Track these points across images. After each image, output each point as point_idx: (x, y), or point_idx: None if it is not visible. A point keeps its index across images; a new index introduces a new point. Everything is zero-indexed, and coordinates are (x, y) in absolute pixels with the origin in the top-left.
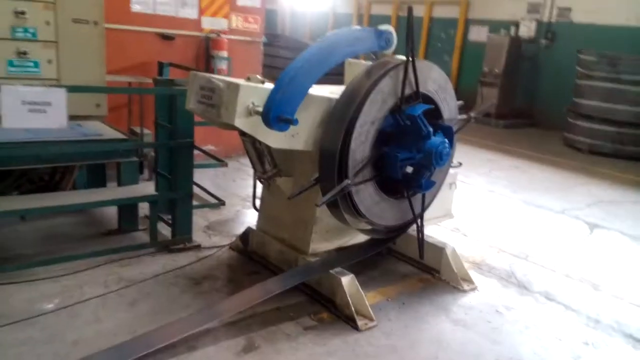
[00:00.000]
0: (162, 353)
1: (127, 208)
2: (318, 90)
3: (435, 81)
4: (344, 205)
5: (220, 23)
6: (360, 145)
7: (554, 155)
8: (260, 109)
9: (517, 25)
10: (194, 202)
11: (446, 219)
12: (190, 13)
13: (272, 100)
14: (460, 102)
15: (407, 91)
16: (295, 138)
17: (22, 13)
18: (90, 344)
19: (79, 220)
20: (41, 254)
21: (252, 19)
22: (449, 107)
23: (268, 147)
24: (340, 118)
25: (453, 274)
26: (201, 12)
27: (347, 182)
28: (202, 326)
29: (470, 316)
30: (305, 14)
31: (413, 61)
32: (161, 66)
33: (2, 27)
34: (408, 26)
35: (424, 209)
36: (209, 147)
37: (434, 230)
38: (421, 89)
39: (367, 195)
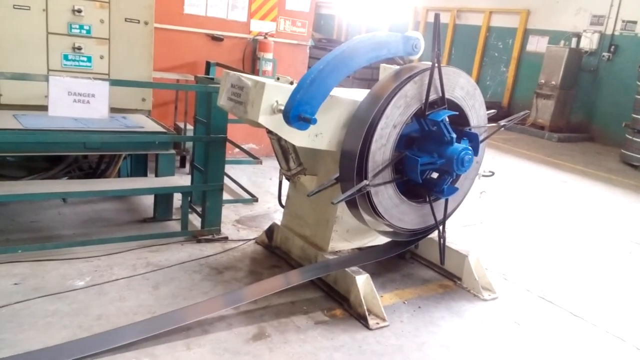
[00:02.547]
0: (177, 333)
1: (162, 198)
2: (345, 93)
3: (463, 88)
4: (363, 206)
5: (268, 26)
6: (381, 147)
7: (607, 172)
8: (283, 108)
9: (578, 36)
10: (228, 197)
11: (474, 226)
12: (240, 16)
13: (293, 99)
14: (493, 111)
15: (433, 97)
16: (319, 138)
17: (79, 11)
18: (112, 320)
19: (119, 207)
20: (80, 235)
21: (300, 23)
22: (477, 114)
23: (293, 146)
24: (363, 120)
25: (474, 282)
26: (250, 15)
27: (365, 182)
28: (219, 310)
29: (486, 325)
30: (362, 21)
31: (439, 67)
32: (208, 65)
33: (61, 23)
34: (434, 32)
35: (446, 215)
36: (250, 146)
37: (461, 236)
38: (447, 95)
39: (386, 197)
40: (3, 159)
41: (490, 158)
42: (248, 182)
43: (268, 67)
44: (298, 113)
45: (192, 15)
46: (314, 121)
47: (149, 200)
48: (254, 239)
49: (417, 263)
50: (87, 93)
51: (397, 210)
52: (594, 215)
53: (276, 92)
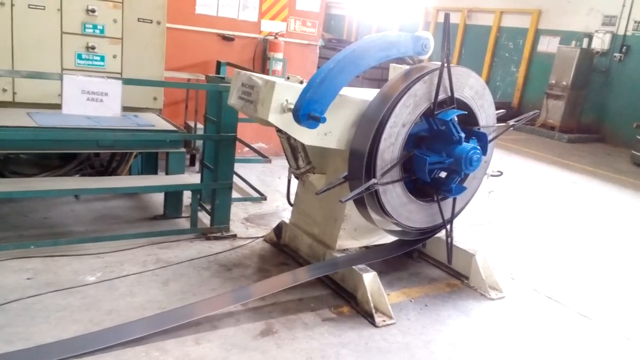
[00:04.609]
0: (186, 329)
1: (172, 196)
2: (354, 93)
3: (472, 87)
4: (371, 204)
5: (278, 26)
6: (390, 146)
7: (617, 173)
8: (293, 106)
9: (590, 37)
10: (238, 195)
11: (483, 226)
12: (251, 16)
13: (303, 98)
14: (502, 111)
15: (442, 96)
16: (328, 136)
17: (93, 11)
18: (122, 315)
19: (130, 204)
20: (91, 232)
21: (310, 23)
22: (486, 114)
23: (302, 144)
24: (372, 118)
25: (481, 281)
26: (261, 15)
27: (373, 181)
28: (228, 306)
29: (492, 324)
30: (372, 21)
31: (448, 66)
32: (219, 65)
33: (75, 23)
34: (444, 32)
35: (453, 215)
36: (259, 145)
37: (469, 236)
38: (457, 95)
39: (394, 196)
40: (17, 157)
41: (499, 158)
42: (257, 180)
43: (278, 66)
44: (308, 112)
45: (204, 15)
46: (324, 120)
47: (159, 198)
48: (262, 236)
49: (425, 262)
50: (100, 91)
51: (405, 209)
52: (603, 216)
53: (286, 91)
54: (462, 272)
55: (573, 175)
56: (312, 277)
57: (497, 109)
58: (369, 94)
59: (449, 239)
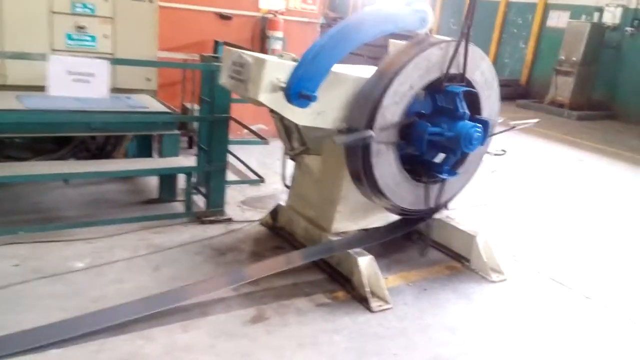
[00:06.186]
0: (174, 315)
1: (167, 179)
2: (349, 70)
3: (484, 73)
4: (361, 167)
5: (277, 3)
6: (393, 105)
7: (628, 150)
8: (284, 85)
9: (601, 11)
10: (236, 177)
11: (484, 206)
12: None
13: (294, 76)
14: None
15: (454, 71)
16: (322, 116)
17: None
18: (110, 302)
19: (124, 188)
20: (83, 216)
21: (310, 0)
22: (490, 107)
23: (295, 125)
24: (382, 72)
25: (483, 264)
26: None
27: (370, 132)
28: (218, 290)
29: (493, 308)
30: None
31: (467, 41)
32: (216, 45)
33: (64, 2)
34: (469, 5)
35: (438, 201)
36: (259, 126)
37: (470, 216)
38: (468, 75)
39: (386, 163)
40: (11, 140)
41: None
42: (256, 163)
43: (277, 45)
44: (299, 90)
45: None
46: (314, 98)
47: (154, 182)
48: (258, 220)
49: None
50: (86, 72)
51: (393, 180)
52: (611, 195)
53: (277, 69)
54: (462, 254)
55: (581, 153)
56: (306, 261)
57: (505, 86)
58: (366, 71)
59: (429, 228)
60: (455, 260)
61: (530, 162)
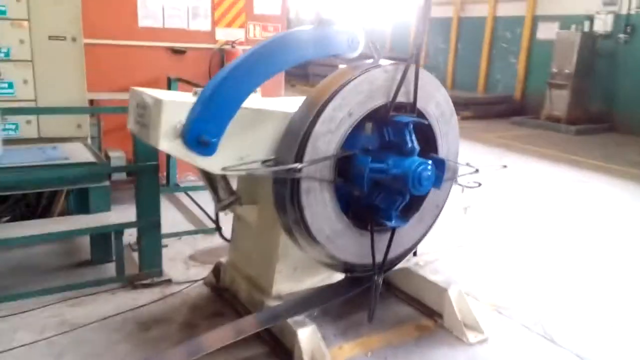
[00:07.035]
0: None
1: (98, 238)
2: (278, 104)
3: (439, 106)
4: (289, 207)
5: (235, 34)
6: (328, 133)
7: (630, 166)
8: None
9: (591, 19)
10: (190, 227)
11: (461, 248)
12: (203, 25)
13: (190, 118)
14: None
15: (402, 100)
16: (246, 161)
17: None
18: None
19: (55, 249)
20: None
21: (272, 28)
22: (448, 147)
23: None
24: (315, 97)
25: (456, 322)
26: (214, 23)
27: (296, 165)
28: None
29: None
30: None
31: (417, 64)
32: (169, 82)
33: None
34: (421, 22)
35: (386, 255)
36: None
37: (449, 259)
38: (420, 106)
39: (320, 202)
40: None
41: (497, 159)
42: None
43: None
44: (197, 135)
45: (148, 28)
46: (214, 145)
47: (86, 240)
48: (202, 279)
49: (394, 297)
50: None
51: (329, 225)
52: (613, 226)
53: (179, 111)
54: (435, 309)
55: (579, 173)
56: (232, 340)
57: (498, 103)
58: (293, 104)
59: (376, 289)
60: (427, 316)
61: (522, 188)
